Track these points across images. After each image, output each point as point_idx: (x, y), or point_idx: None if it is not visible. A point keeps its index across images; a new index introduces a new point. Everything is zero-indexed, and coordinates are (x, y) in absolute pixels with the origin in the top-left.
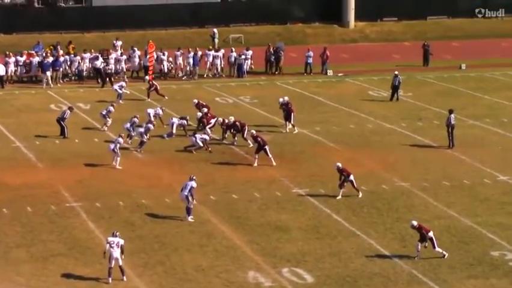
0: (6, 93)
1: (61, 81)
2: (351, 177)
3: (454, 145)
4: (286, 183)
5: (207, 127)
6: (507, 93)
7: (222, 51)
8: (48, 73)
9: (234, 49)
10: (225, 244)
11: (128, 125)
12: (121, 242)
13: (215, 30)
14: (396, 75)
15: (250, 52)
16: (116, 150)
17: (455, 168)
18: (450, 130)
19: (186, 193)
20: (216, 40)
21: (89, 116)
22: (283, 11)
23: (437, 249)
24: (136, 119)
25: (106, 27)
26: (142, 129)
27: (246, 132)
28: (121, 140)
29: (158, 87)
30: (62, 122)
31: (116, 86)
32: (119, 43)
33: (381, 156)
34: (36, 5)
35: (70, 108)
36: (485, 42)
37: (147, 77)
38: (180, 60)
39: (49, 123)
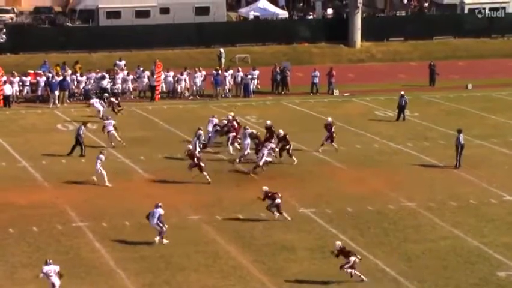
0: (13, 112)
1: (68, 100)
2: (278, 200)
3: (460, 165)
4: (292, 203)
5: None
6: None
7: (231, 71)
8: (57, 92)
9: (240, 69)
10: (231, 264)
11: (195, 139)
12: (57, 268)
13: (222, 50)
14: (402, 96)
15: (256, 72)
16: (98, 167)
17: (461, 188)
18: (459, 150)
19: (156, 221)
20: (223, 60)
21: (95, 136)
22: (289, 30)
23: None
24: (200, 131)
25: (113, 47)
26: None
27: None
28: (102, 156)
29: (117, 107)
30: (79, 140)
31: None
32: (123, 63)
33: (387, 176)
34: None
35: (84, 124)
36: (491, 62)
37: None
38: (187, 79)
39: (56, 142)
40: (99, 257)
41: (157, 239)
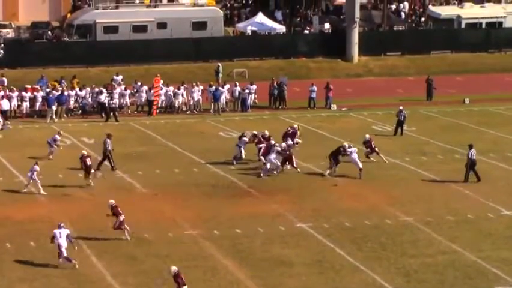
0: (10, 127)
1: (65, 115)
2: (121, 217)
3: (467, 180)
4: (290, 218)
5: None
6: (511, 128)
7: (227, 86)
8: (54, 107)
9: (237, 83)
10: (229, 279)
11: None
12: None
13: (219, 64)
14: (401, 111)
15: (254, 86)
16: (34, 177)
17: (459, 203)
18: (470, 165)
19: (66, 242)
20: (220, 75)
21: (93, 150)
22: (287, 45)
23: None
24: (245, 138)
25: (110, 61)
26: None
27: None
28: (37, 167)
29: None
30: (108, 154)
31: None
32: (120, 78)
33: (385, 191)
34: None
35: (108, 136)
36: (488, 76)
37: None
38: (184, 94)
39: (53, 157)
40: (96, 272)
41: (61, 260)
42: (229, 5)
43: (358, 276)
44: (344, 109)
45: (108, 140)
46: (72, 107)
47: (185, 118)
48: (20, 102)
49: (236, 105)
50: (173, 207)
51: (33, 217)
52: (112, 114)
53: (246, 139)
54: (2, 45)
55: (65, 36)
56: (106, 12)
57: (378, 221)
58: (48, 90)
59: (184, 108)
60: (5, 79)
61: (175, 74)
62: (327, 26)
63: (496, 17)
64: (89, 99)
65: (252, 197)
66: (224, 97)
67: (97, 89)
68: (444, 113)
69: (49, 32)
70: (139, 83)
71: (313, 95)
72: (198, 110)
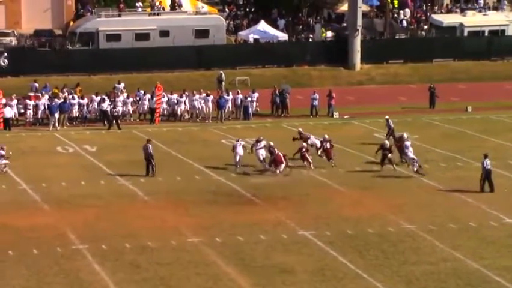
0: (13, 135)
1: (67, 123)
2: None
3: (493, 190)
4: (292, 225)
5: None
6: None
7: (230, 94)
8: (56, 115)
9: (240, 91)
10: (231, 286)
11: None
12: None
13: (222, 72)
14: (387, 120)
15: (256, 94)
16: None
17: (461, 211)
18: (485, 175)
19: None
20: (223, 83)
21: (95, 158)
22: (289, 53)
23: None
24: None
25: (113, 69)
26: None
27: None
28: None
29: None
30: (151, 159)
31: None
32: (122, 85)
33: (387, 199)
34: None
35: (148, 141)
36: (491, 84)
37: None
38: (186, 102)
39: (55, 165)
40: (99, 280)
41: None
42: (233, 13)
43: (360, 284)
44: (346, 117)
45: (149, 146)
46: (75, 115)
47: (188, 126)
48: (23, 110)
49: (238, 113)
50: (175, 215)
51: (36, 225)
52: (114, 122)
53: (271, 144)
54: (6, 54)
55: (68, 44)
56: (108, 20)
57: (381, 228)
58: (49, 95)
59: (187, 116)
60: (37, 84)
61: (177, 82)
62: (329, 34)
63: (499, 25)
64: (95, 106)
65: (254, 204)
66: (229, 106)
67: (99, 97)
68: (447, 120)
69: (34, 43)
70: (142, 92)
71: (316, 102)
72: (200, 117)
